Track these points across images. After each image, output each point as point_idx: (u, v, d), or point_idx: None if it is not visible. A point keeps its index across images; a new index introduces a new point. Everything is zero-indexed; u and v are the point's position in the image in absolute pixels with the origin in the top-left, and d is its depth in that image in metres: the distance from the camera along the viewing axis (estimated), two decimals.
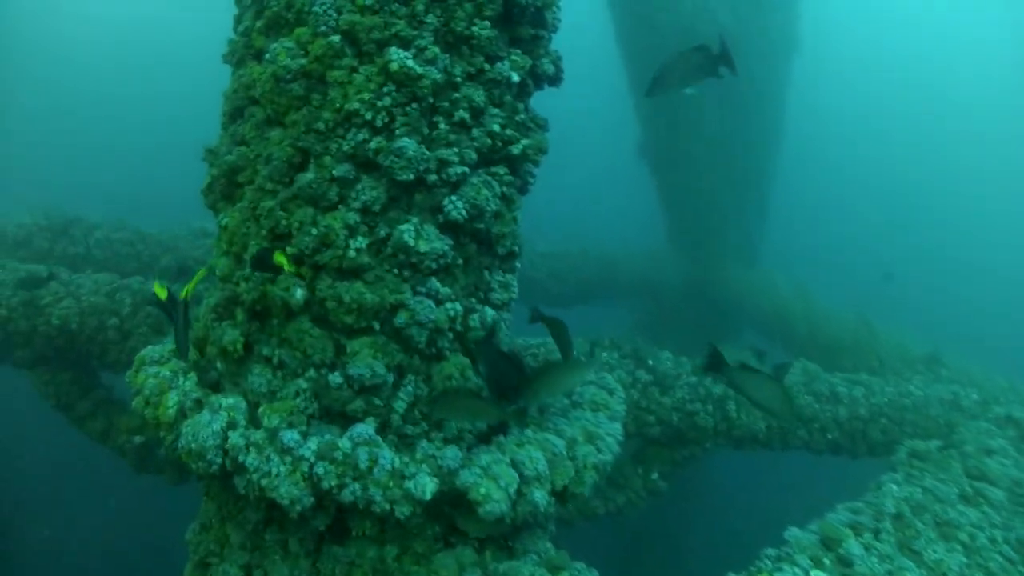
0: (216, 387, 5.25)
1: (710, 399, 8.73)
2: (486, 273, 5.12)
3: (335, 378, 4.64)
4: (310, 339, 4.66)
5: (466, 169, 4.74)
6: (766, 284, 13.51)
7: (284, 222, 4.64)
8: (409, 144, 4.51)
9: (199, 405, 4.92)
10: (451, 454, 4.50)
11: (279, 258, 4.48)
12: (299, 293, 4.60)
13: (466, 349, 4.99)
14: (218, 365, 5.24)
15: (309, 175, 4.58)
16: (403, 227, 4.59)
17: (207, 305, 5.38)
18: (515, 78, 4.96)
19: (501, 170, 4.97)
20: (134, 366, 5.34)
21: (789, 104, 13.81)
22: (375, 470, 4.33)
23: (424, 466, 4.42)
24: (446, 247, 4.69)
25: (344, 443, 4.40)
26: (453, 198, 4.70)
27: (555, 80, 5.37)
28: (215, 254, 5.32)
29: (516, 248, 5.26)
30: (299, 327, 4.68)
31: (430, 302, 4.69)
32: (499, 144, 4.92)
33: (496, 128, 4.86)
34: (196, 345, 5.46)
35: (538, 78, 5.25)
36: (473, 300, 5.04)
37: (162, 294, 4.76)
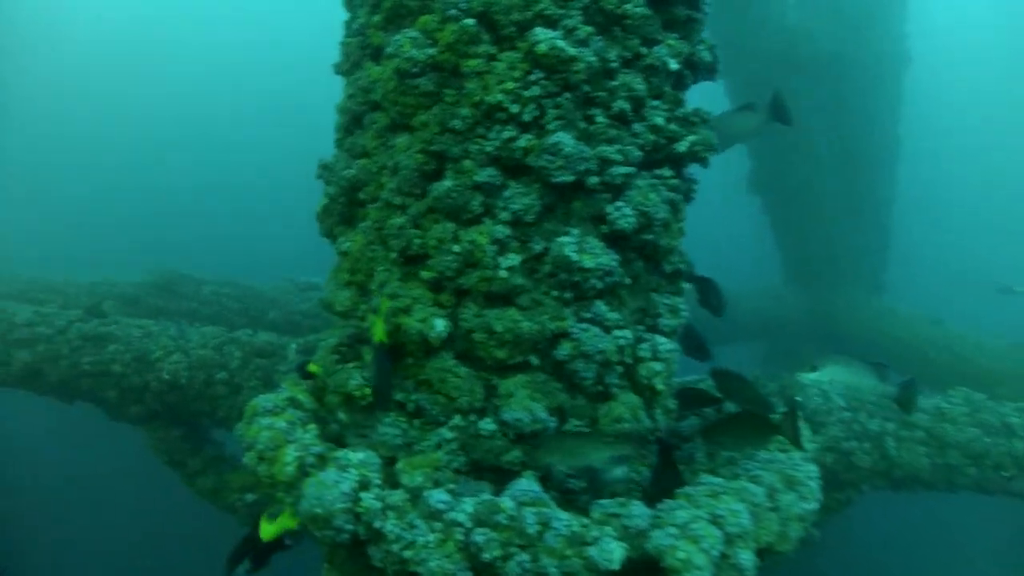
0: (338, 442, 4.32)
1: (866, 436, 7.43)
2: (653, 295, 4.08)
3: (487, 425, 3.67)
4: (454, 379, 3.70)
5: (632, 169, 3.76)
6: (895, 313, 12.03)
7: (418, 241, 3.73)
8: (566, 139, 3.56)
9: (322, 461, 3.97)
10: (638, 511, 3.44)
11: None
12: (440, 325, 3.66)
13: (635, 385, 3.94)
14: (340, 415, 4.32)
15: (446, 183, 3.67)
16: (563, 240, 3.63)
17: (326, 347, 4.49)
18: (673, 66, 4.00)
19: (666, 172, 3.98)
20: (245, 416, 4.46)
21: (904, 122, 12.54)
22: (547, 535, 3.29)
23: (608, 528, 3.35)
24: (614, 263, 3.69)
25: (506, 503, 3.37)
26: (620, 204, 3.73)
27: (712, 71, 4.39)
28: (331, 287, 4.44)
29: (683, 266, 4.24)
30: (441, 366, 3.73)
31: (597, 329, 3.69)
32: (662, 141, 3.93)
33: (660, 122, 3.88)
34: (313, 393, 4.58)
35: (695, 68, 4.28)
36: (641, 328, 4.01)
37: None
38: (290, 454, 4.01)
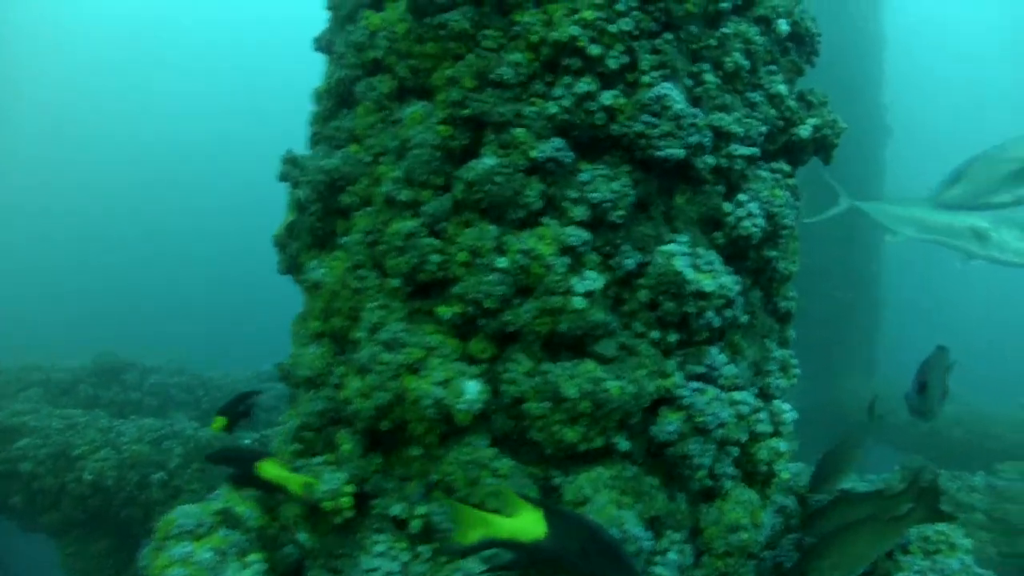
0: (296, 574, 2.69)
1: None
2: (766, 342, 2.63)
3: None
4: (493, 479, 2.11)
5: (756, 151, 2.36)
6: (895, 393, 10.69)
7: (436, 257, 2.20)
8: (674, 93, 2.14)
9: None
10: None
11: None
12: (472, 390, 2.11)
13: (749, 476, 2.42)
14: (300, 537, 2.68)
15: (487, 162, 2.18)
16: (670, 248, 2.15)
17: (284, 432, 2.88)
18: (784, 27, 2.68)
19: (785, 166, 2.59)
20: (155, 540, 2.77)
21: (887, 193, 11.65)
22: None
23: None
24: (737, 287, 2.23)
25: None
26: (742, 198, 2.28)
27: (813, 51, 3.06)
28: (295, 343, 2.87)
29: (795, 305, 2.80)
30: (470, 456, 2.16)
31: (715, 390, 2.18)
32: (780, 123, 2.57)
33: (782, 90, 2.52)
34: (262, 503, 2.96)
35: (799, 41, 2.95)
36: (754, 389, 2.53)
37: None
38: None
